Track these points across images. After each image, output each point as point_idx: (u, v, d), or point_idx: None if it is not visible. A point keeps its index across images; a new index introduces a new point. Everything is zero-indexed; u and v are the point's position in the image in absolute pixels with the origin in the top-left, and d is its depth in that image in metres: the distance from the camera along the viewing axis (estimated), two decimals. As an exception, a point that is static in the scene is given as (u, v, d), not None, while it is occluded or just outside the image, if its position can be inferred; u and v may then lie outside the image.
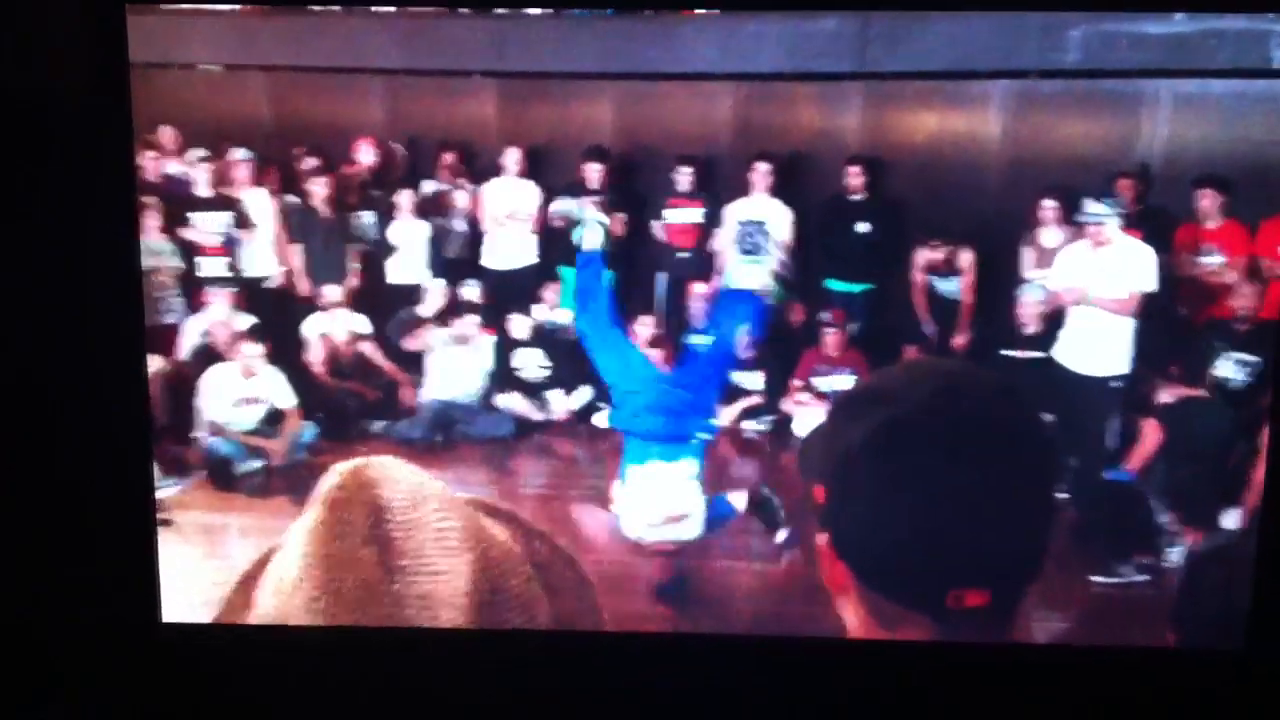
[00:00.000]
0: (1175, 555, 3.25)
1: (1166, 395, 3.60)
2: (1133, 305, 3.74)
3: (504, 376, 4.43)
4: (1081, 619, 3.25)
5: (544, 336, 4.41)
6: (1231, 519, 3.11)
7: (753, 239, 4.33)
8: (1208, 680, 2.49)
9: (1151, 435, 3.52)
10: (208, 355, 4.18)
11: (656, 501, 3.66)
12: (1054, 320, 3.91)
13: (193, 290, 4.25)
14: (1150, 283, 3.74)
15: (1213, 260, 3.85)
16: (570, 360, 4.32)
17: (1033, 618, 2.52)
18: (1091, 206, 3.78)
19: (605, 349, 3.87)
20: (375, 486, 1.46)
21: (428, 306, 4.40)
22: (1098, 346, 3.82)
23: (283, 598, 1.48)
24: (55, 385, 2.58)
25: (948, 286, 4.22)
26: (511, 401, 4.40)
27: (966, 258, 4.19)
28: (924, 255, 4.23)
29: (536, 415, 4.40)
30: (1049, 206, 4.01)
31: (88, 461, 2.59)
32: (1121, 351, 3.78)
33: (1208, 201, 3.82)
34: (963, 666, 2.43)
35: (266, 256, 4.46)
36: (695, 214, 4.39)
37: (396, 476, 1.47)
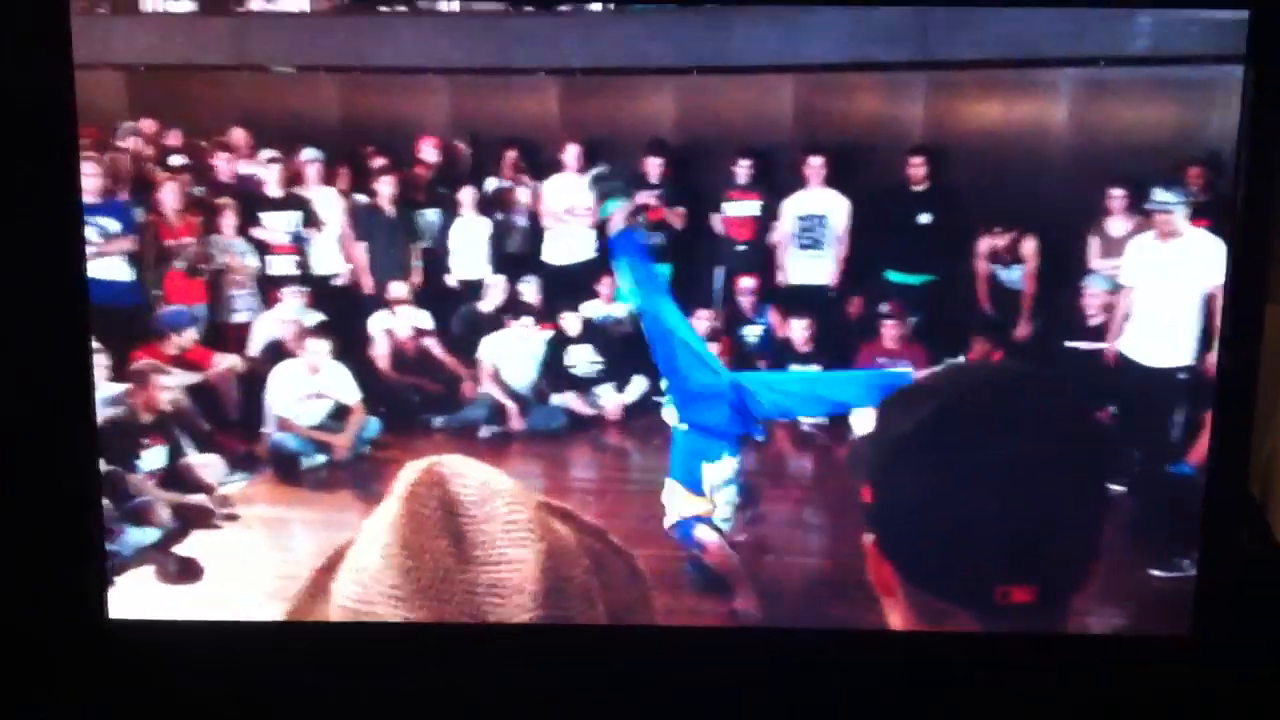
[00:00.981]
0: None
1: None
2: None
3: (557, 374, 4.47)
4: (1140, 612, 3.19)
5: (595, 331, 4.44)
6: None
7: (811, 233, 4.31)
8: (1156, 666, 2.45)
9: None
10: (277, 352, 4.30)
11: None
12: (1120, 312, 3.83)
13: (266, 288, 4.38)
14: (1218, 275, 3.63)
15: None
16: (623, 354, 4.35)
17: (1090, 611, 2.48)
18: (1160, 194, 3.70)
19: (665, 334, 3.85)
20: (447, 482, 1.55)
21: (488, 302, 4.46)
22: (1163, 338, 3.73)
23: (364, 587, 1.55)
24: (1, 384, 2.63)
25: (1010, 275, 4.14)
26: (565, 398, 4.44)
27: (1030, 246, 4.10)
28: (986, 243, 4.15)
29: (589, 410, 4.43)
30: (1116, 195, 3.93)
31: (34, 457, 2.63)
32: (1187, 343, 3.69)
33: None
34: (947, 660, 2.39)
35: (334, 255, 4.56)
36: (753, 207, 4.38)
37: (466, 472, 1.57)
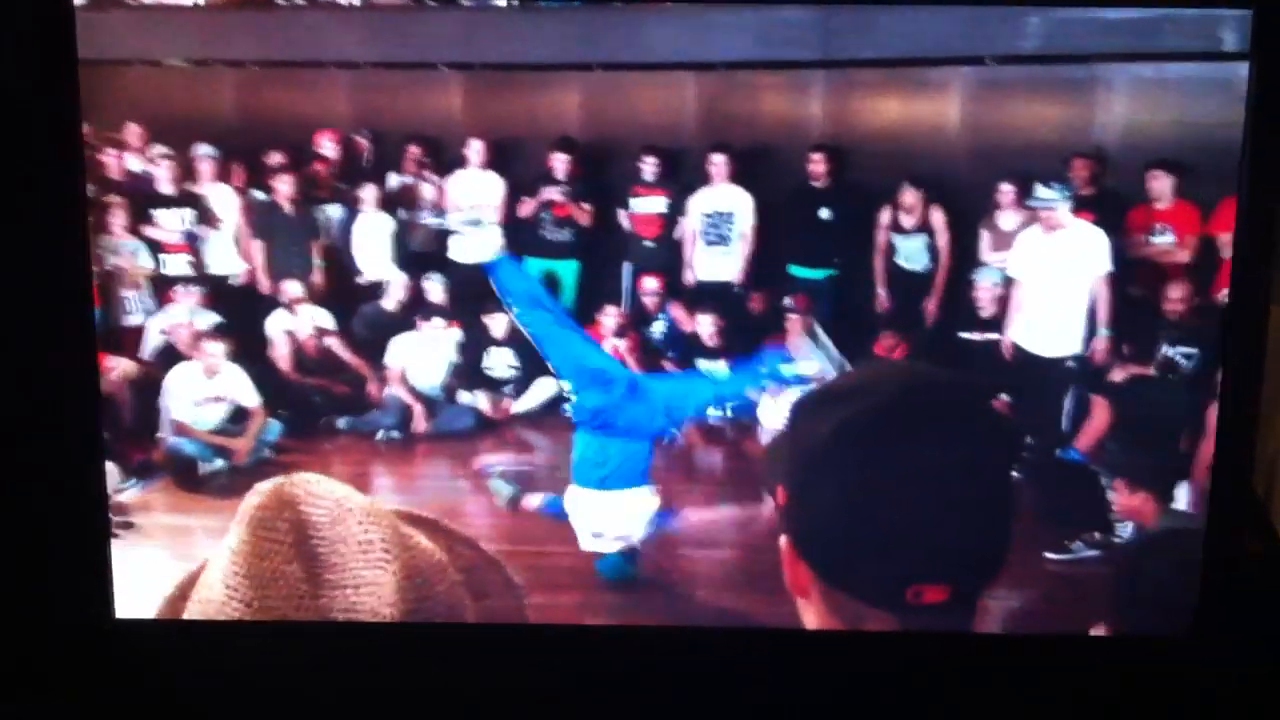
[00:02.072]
0: (1125, 532, 3.29)
1: (1118, 374, 3.64)
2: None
3: (472, 374, 4.43)
4: (1036, 597, 3.29)
5: (517, 336, 4.41)
6: (1181, 499, 3.15)
7: (718, 229, 4.35)
8: (1155, 668, 2.50)
9: (1101, 414, 3.56)
10: (170, 355, 4.18)
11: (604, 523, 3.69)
12: (1010, 303, 3.96)
13: (160, 289, 4.25)
14: (1104, 265, 3.79)
15: (1164, 240, 3.89)
16: (538, 357, 4.34)
17: (987, 597, 2.51)
18: (1041, 191, 3.83)
19: (558, 345, 3.87)
20: (297, 503, 1.48)
21: (390, 300, 4.40)
22: (1052, 327, 3.87)
23: (209, 617, 1.49)
24: (5, 384, 2.57)
25: (910, 248, 4.22)
26: (476, 398, 4.40)
27: (939, 218, 4.20)
28: (887, 214, 4.23)
29: (499, 412, 4.40)
30: (1005, 190, 4.05)
31: (39, 458, 2.58)
32: (1075, 332, 3.83)
33: (1159, 183, 3.86)
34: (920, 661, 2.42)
35: (230, 253, 4.46)
36: (660, 203, 4.40)
37: (318, 492, 1.49)
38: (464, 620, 1.52)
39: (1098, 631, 2.72)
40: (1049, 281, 3.89)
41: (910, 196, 4.19)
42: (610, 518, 3.68)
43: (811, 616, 1.09)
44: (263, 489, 1.48)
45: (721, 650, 2.70)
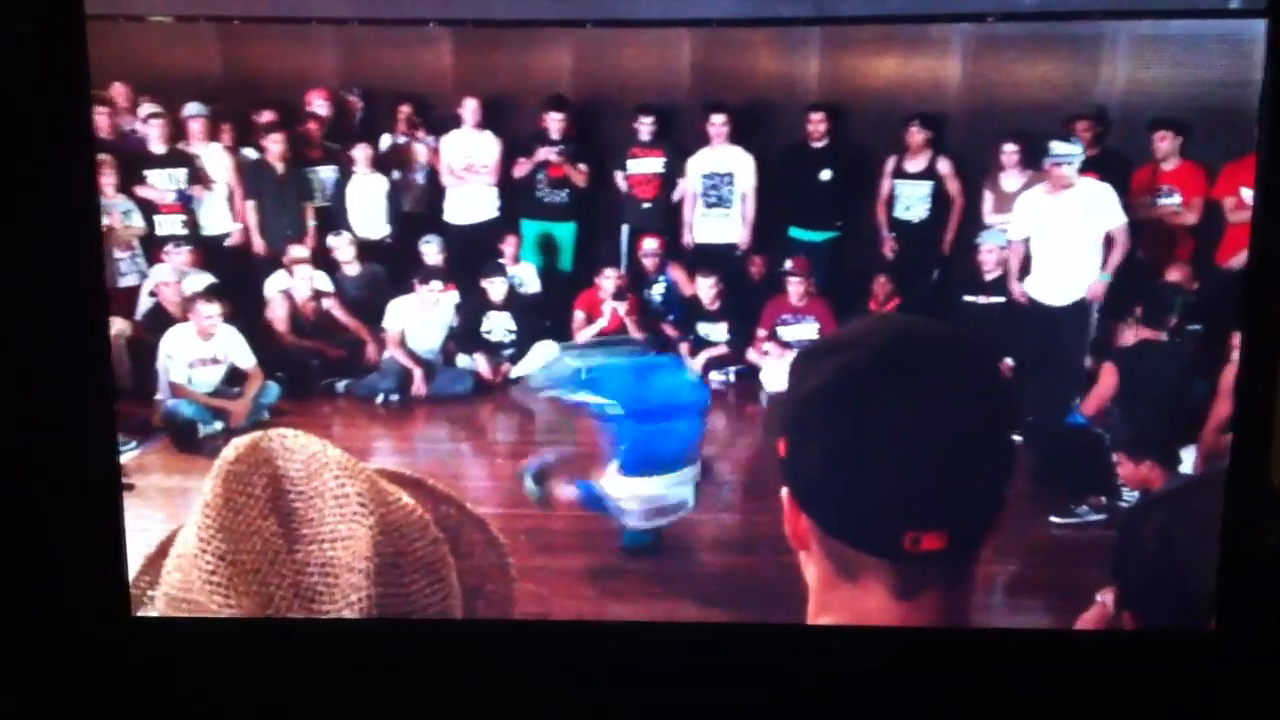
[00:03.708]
0: (1129, 496, 3.31)
1: (1129, 337, 3.64)
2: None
3: (471, 337, 4.40)
4: (1039, 558, 3.32)
5: (515, 300, 4.39)
6: (1187, 464, 3.17)
7: (718, 191, 4.31)
8: (1178, 663, 2.49)
9: (1107, 379, 3.56)
10: (160, 315, 4.14)
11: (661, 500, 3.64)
12: (1015, 263, 3.95)
13: (153, 249, 4.21)
14: (1118, 218, 3.77)
15: (1171, 201, 3.88)
16: (536, 321, 4.34)
17: (991, 559, 2.53)
18: (1058, 147, 3.78)
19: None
20: (273, 458, 1.48)
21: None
22: (1064, 280, 3.85)
23: (183, 572, 1.48)
24: (19, 372, 2.52)
25: (914, 193, 4.18)
26: (475, 361, 4.38)
27: (945, 165, 4.15)
28: (891, 161, 4.19)
29: (497, 375, 4.38)
30: (1010, 151, 4.03)
31: (54, 452, 2.54)
32: (1085, 281, 3.82)
33: (1166, 143, 3.83)
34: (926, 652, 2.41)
35: (223, 213, 4.41)
36: (656, 164, 4.36)
37: (293, 447, 1.50)
38: (443, 578, 1.52)
39: (1105, 599, 2.74)
40: (1059, 239, 3.85)
41: (918, 135, 4.13)
42: (669, 493, 3.61)
43: (812, 570, 1.10)
44: (239, 444, 1.49)
45: (717, 646, 2.68)
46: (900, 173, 4.19)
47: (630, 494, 3.56)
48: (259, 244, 4.43)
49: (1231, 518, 2.26)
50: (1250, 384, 2.22)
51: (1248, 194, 3.68)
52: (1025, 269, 3.95)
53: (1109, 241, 3.80)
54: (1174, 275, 3.74)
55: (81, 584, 2.51)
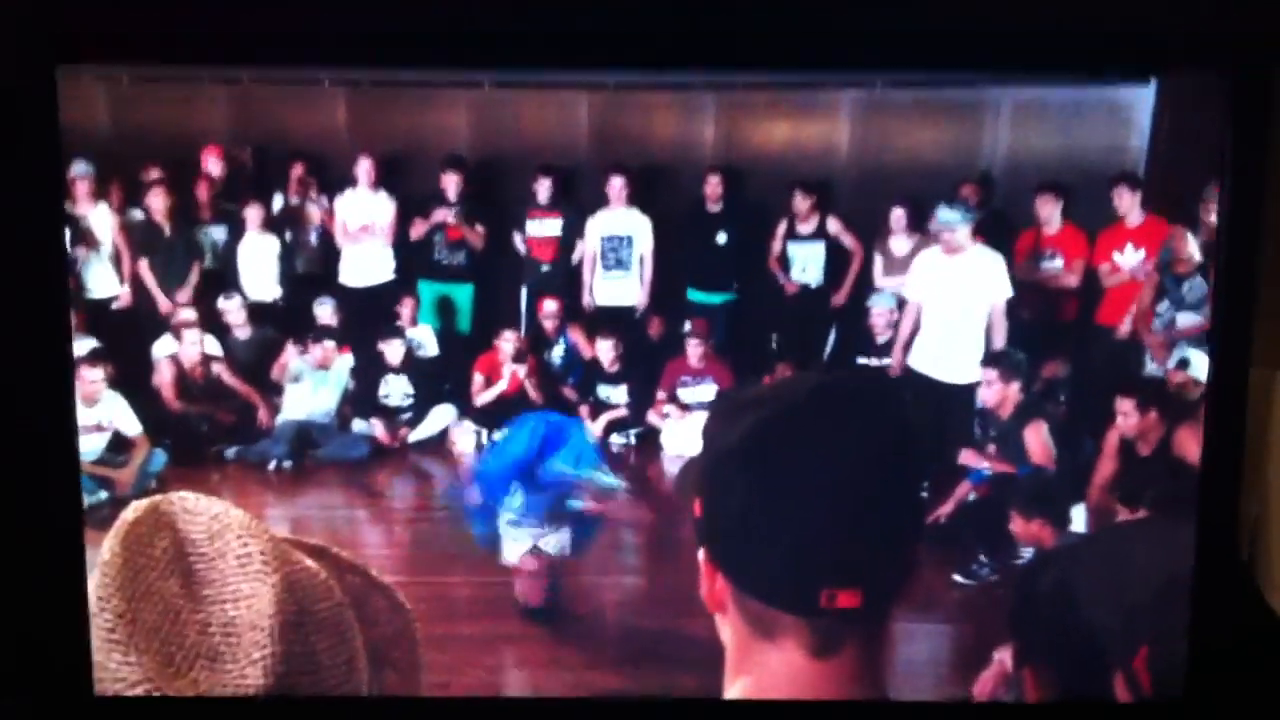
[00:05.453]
0: (1027, 555, 3.38)
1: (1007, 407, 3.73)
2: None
3: (367, 402, 4.33)
4: (947, 619, 3.36)
5: (412, 363, 4.33)
6: (1077, 522, 3.25)
7: (616, 254, 4.33)
8: None
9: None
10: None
11: None
12: (906, 327, 4.02)
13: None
14: (1005, 290, 3.85)
15: (1053, 264, 3.99)
16: (431, 384, 4.27)
17: (901, 619, 2.55)
18: (944, 213, 3.85)
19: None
20: (174, 520, 1.46)
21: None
22: (952, 353, 3.90)
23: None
24: None
25: (808, 253, 4.22)
26: (373, 426, 4.31)
27: (835, 224, 4.20)
28: (783, 225, 4.23)
29: (395, 439, 4.32)
30: (898, 215, 4.11)
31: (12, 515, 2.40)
32: (975, 357, 3.88)
33: (1048, 207, 3.95)
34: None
35: (109, 276, 4.28)
36: (555, 226, 4.36)
37: (194, 509, 1.49)
38: (347, 640, 1.51)
39: (1003, 656, 2.77)
40: (949, 306, 3.92)
41: (803, 202, 4.19)
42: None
43: (729, 631, 1.10)
44: (139, 505, 1.49)
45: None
46: (793, 235, 4.25)
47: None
48: (164, 303, 4.29)
49: (1201, 587, 2.24)
50: (1218, 452, 2.21)
51: (1121, 259, 3.85)
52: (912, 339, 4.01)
53: (990, 325, 3.86)
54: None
55: (39, 664, 2.36)
